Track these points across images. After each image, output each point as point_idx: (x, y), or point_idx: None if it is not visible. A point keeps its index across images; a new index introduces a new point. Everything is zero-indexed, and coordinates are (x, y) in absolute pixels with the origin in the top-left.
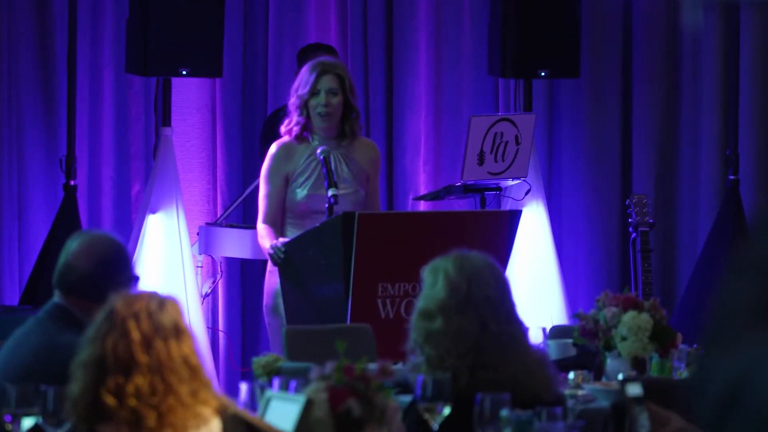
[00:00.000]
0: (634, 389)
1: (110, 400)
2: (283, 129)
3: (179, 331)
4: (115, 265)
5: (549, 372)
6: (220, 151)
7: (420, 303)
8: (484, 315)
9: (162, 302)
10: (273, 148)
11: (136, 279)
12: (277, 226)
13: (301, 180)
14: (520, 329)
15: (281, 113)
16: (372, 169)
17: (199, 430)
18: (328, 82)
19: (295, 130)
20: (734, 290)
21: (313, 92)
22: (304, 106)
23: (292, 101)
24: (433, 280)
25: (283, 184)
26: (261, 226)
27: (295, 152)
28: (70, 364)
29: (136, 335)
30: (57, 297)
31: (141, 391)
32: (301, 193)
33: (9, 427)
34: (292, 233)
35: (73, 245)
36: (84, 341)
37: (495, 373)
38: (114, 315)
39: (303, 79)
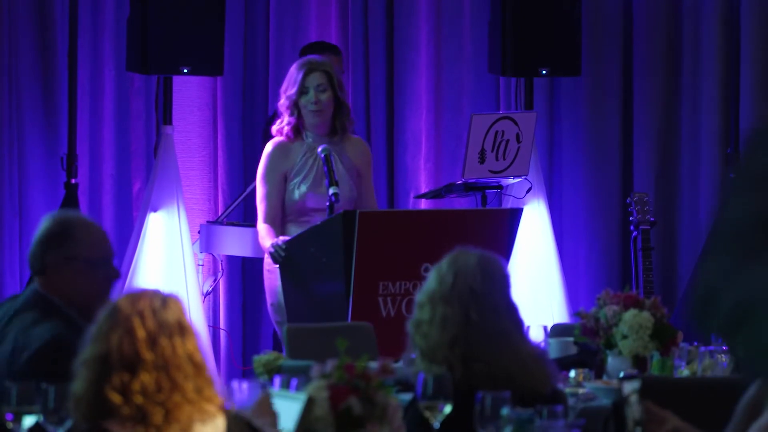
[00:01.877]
0: (632, 384)
1: (116, 398)
2: (274, 130)
3: (183, 328)
4: (51, 242)
5: (545, 366)
6: (221, 150)
7: (416, 296)
8: (466, 305)
9: (165, 300)
10: (268, 148)
11: (82, 259)
12: (277, 225)
13: (298, 178)
14: (514, 325)
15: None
16: (363, 164)
17: (205, 426)
18: (316, 79)
19: (287, 129)
20: (736, 204)
21: (302, 90)
22: (294, 106)
23: (282, 102)
24: (430, 274)
25: (281, 182)
26: (261, 226)
27: (290, 150)
28: (39, 353)
29: (141, 333)
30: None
31: (147, 389)
32: (299, 191)
33: (10, 425)
34: (292, 231)
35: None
36: (86, 339)
37: (487, 366)
38: (117, 313)
39: (291, 79)
